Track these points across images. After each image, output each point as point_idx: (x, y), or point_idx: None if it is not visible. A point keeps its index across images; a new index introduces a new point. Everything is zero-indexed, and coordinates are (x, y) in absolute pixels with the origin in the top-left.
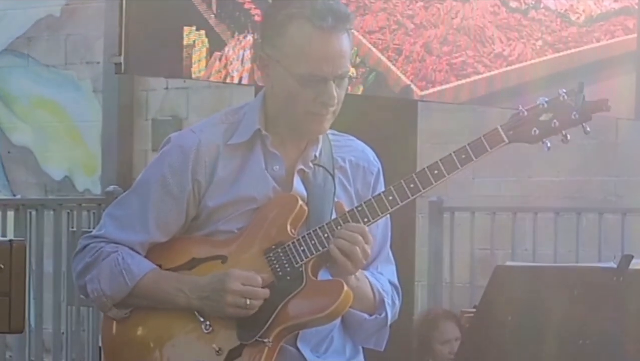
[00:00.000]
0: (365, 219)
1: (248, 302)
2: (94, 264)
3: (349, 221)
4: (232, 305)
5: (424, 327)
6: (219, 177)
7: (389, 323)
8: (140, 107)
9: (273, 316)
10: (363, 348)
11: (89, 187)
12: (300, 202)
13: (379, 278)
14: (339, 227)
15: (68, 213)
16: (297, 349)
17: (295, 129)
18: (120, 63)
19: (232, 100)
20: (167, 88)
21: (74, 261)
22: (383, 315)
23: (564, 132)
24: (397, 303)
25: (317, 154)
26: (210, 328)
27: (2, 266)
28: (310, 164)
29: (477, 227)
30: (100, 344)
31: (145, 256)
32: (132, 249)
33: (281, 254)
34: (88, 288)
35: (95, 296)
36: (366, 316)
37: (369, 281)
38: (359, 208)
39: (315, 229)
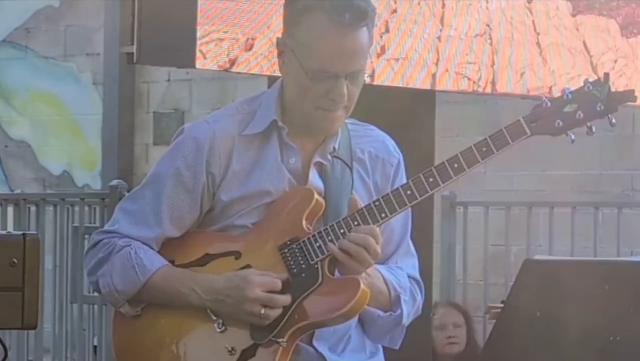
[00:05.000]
0: (383, 215)
1: (263, 312)
2: (106, 259)
3: (366, 216)
4: (250, 313)
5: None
6: (234, 170)
7: (404, 320)
8: (141, 99)
9: (287, 315)
10: (384, 349)
11: (88, 182)
12: (317, 196)
13: (397, 273)
14: (355, 222)
15: (68, 208)
16: (314, 348)
17: (308, 125)
18: (132, 53)
19: (236, 92)
20: (169, 80)
21: (86, 257)
22: (398, 312)
23: (589, 124)
24: (418, 298)
25: (336, 145)
26: (223, 327)
27: (16, 261)
28: (329, 157)
29: (491, 222)
30: (95, 343)
31: (158, 252)
32: (145, 244)
33: (296, 250)
34: (100, 283)
35: (107, 291)
36: (380, 313)
37: (383, 277)
38: (377, 203)
39: (332, 225)
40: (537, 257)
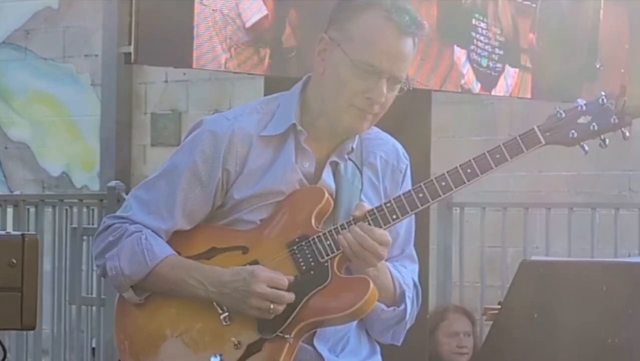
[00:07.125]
0: (394, 216)
1: (272, 306)
2: (116, 242)
3: (376, 217)
4: (255, 308)
5: (431, 319)
6: (250, 169)
7: (408, 316)
8: (139, 100)
9: (296, 311)
10: (382, 352)
11: (87, 183)
12: (327, 195)
13: (402, 270)
14: (366, 222)
15: (66, 209)
16: (314, 348)
17: (334, 124)
18: (130, 53)
19: (233, 92)
20: (166, 81)
21: (95, 240)
22: (402, 307)
23: (602, 136)
24: (417, 302)
25: (354, 145)
26: (230, 321)
27: (15, 261)
28: (346, 156)
29: (488, 223)
30: (93, 345)
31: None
32: (155, 233)
33: (305, 248)
34: (107, 265)
35: (114, 274)
36: (384, 307)
37: (390, 272)
38: (388, 205)
39: (343, 224)
40: (534, 258)
